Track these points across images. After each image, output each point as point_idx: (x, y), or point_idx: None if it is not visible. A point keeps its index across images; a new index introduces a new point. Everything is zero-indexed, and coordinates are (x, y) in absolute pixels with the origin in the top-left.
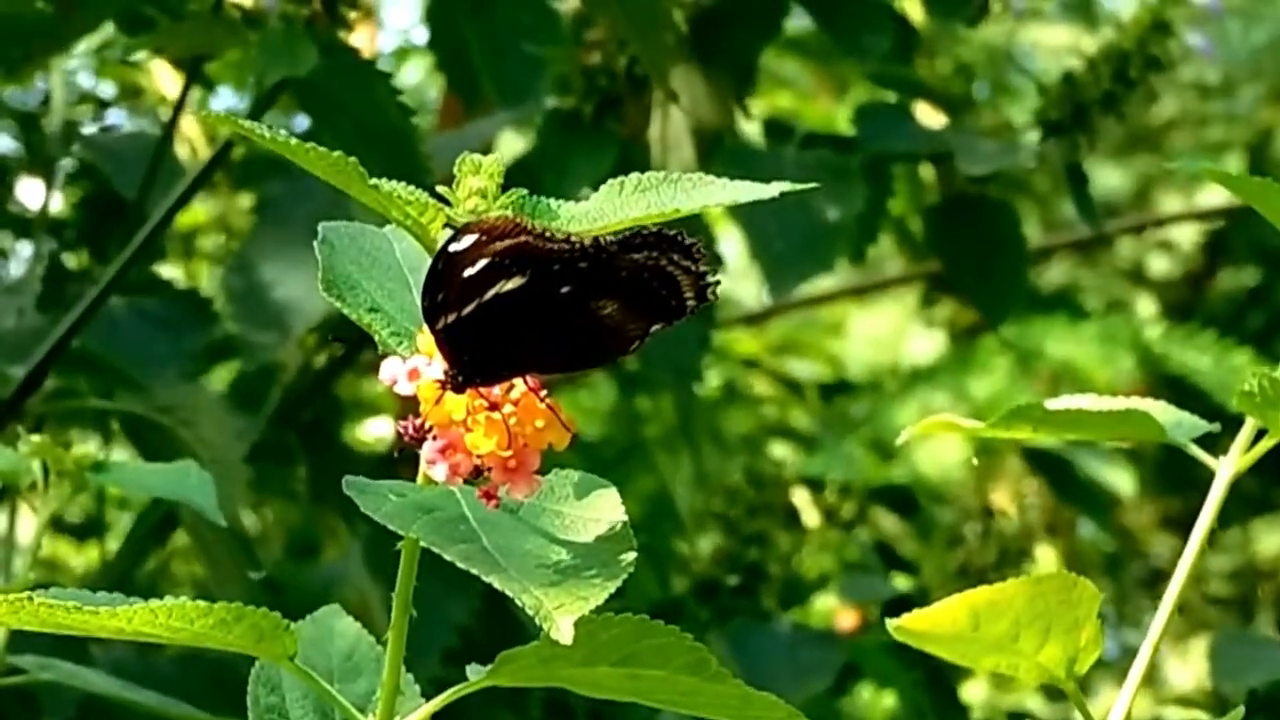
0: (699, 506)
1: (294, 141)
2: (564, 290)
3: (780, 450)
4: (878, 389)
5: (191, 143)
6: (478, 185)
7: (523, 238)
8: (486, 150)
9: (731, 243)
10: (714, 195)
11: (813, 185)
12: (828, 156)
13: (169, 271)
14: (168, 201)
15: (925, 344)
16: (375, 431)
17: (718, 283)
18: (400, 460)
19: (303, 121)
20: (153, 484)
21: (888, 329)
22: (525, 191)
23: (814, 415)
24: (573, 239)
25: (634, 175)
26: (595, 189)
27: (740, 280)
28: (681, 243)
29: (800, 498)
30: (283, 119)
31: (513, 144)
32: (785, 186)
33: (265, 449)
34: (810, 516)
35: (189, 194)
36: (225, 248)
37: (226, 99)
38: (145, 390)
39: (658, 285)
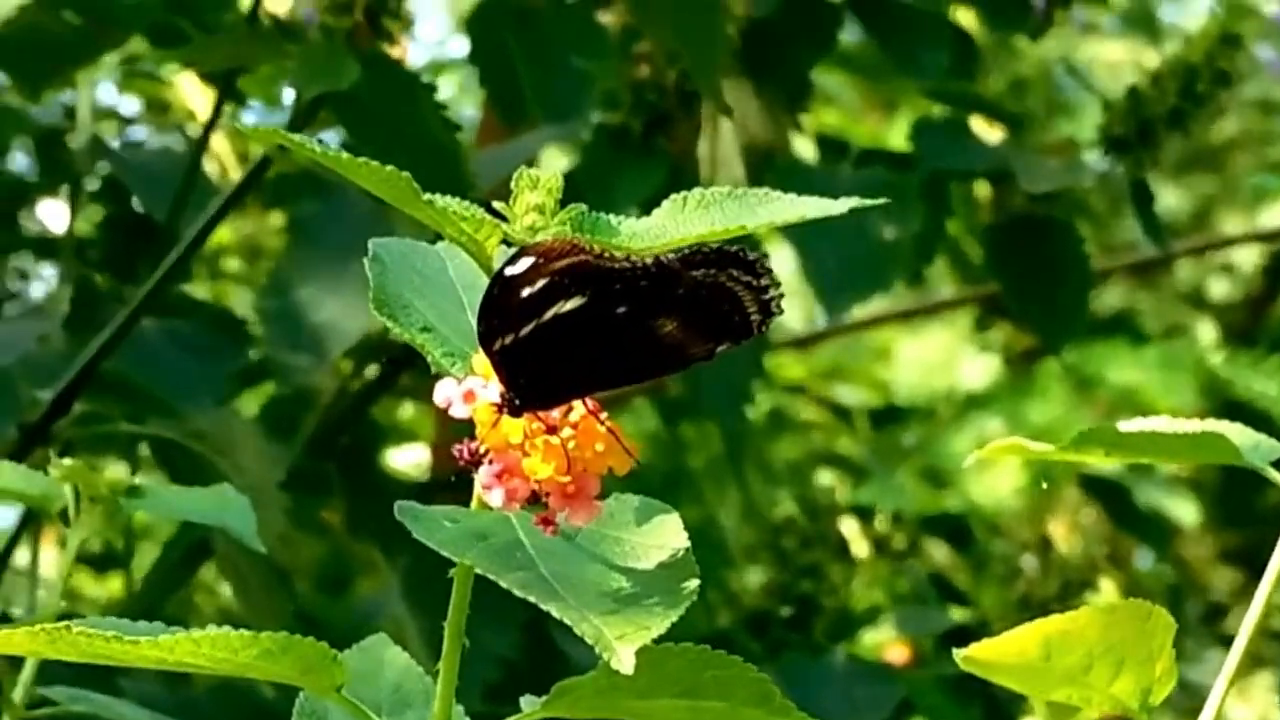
0: (746, 537)
1: (346, 156)
2: (624, 310)
3: (829, 479)
4: (929, 416)
5: (220, 160)
6: (535, 201)
7: (581, 257)
8: (530, 167)
9: (778, 262)
10: (780, 211)
11: (879, 202)
12: (884, 174)
13: (196, 293)
14: (200, 221)
15: (978, 369)
16: (410, 458)
17: (781, 297)
18: (441, 488)
19: (333, 136)
20: (189, 509)
21: (939, 354)
22: (584, 208)
23: (863, 443)
24: (633, 258)
25: (697, 191)
26: (643, 208)
27: (786, 302)
28: (744, 258)
29: (850, 528)
30: (313, 135)
31: (556, 161)
32: (853, 202)
33: (300, 476)
34: (860, 548)
35: (222, 212)
36: (254, 269)
37: (256, 114)
38: (178, 415)
39: (720, 303)
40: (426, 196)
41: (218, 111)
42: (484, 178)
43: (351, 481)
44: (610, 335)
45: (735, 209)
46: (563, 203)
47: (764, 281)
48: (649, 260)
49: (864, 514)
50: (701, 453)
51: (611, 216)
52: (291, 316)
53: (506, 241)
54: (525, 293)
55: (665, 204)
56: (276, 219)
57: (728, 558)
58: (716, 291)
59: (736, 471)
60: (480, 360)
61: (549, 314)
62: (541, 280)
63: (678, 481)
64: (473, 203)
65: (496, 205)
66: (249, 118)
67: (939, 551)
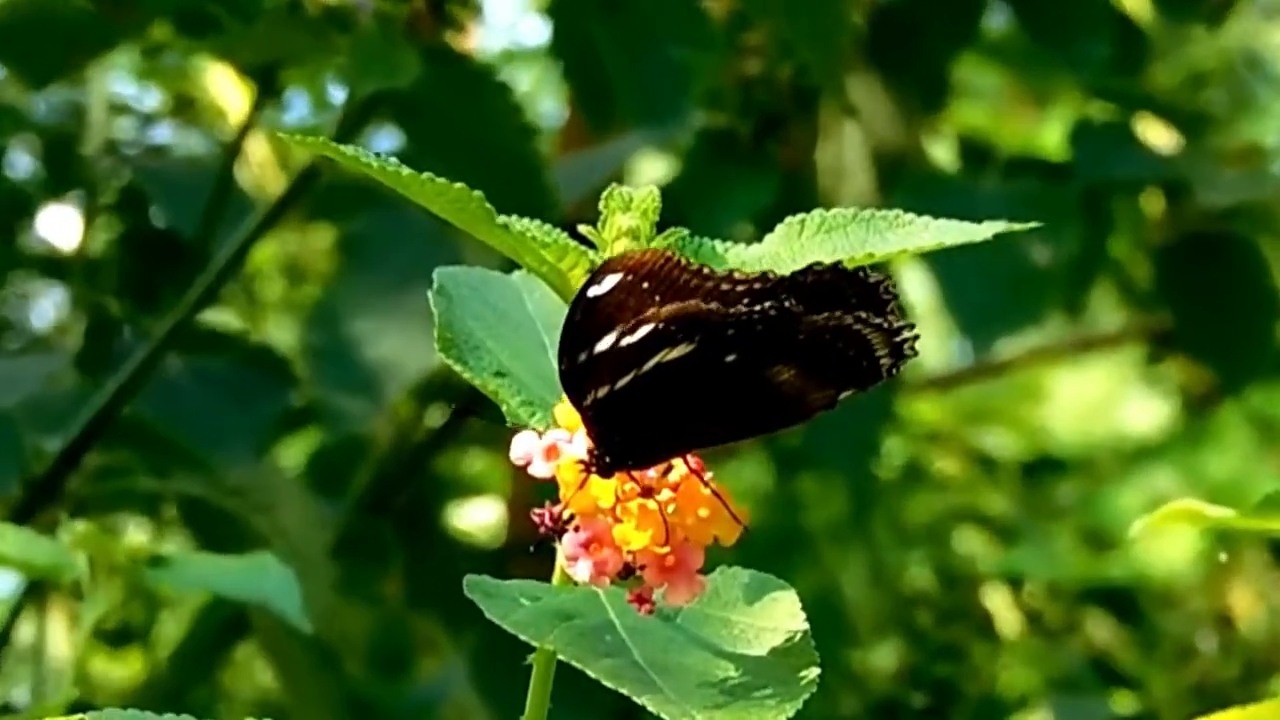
0: (873, 610)
1: (406, 172)
2: (736, 357)
3: (972, 542)
4: (1089, 468)
5: (258, 168)
6: (628, 224)
7: (690, 302)
8: (620, 179)
9: (911, 287)
10: (914, 237)
11: (1029, 225)
12: (1036, 187)
13: (230, 324)
14: (235, 239)
15: (1147, 413)
16: (480, 518)
17: (916, 339)
18: (517, 555)
19: (388, 140)
20: (223, 580)
21: (1101, 395)
22: (684, 233)
23: (1012, 499)
24: (754, 305)
25: (816, 214)
26: (756, 226)
27: (921, 339)
28: (873, 292)
29: (997, 600)
30: (366, 141)
31: (652, 170)
32: (999, 226)
33: (352, 540)
34: (1009, 622)
35: (261, 229)
36: (298, 296)
37: (300, 114)
38: (210, 469)
39: (845, 346)
40: (501, 219)
41: (255, 112)
42: (567, 191)
43: (411, 546)
44: (720, 385)
45: (861, 234)
46: (661, 220)
47: (895, 320)
48: (768, 306)
49: (1013, 583)
50: (821, 511)
51: (717, 243)
52: (342, 352)
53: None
54: (624, 341)
55: (780, 229)
56: (324, 237)
57: (851, 635)
58: (841, 334)
59: (862, 533)
60: (564, 410)
61: (651, 363)
62: (644, 328)
63: (793, 545)
64: (554, 225)
65: (583, 229)
66: (291, 120)
67: (1101, 628)
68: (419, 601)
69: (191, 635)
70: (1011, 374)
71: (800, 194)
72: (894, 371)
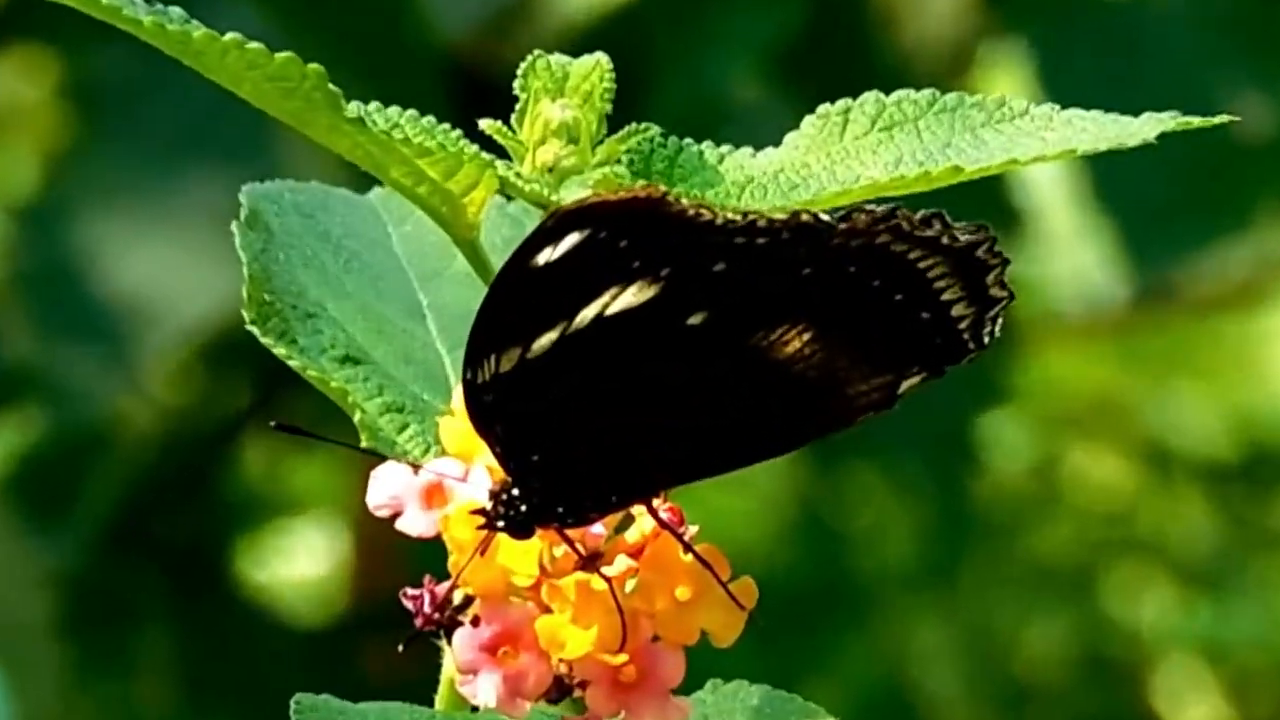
0: (969, 704)
1: (198, 32)
2: (730, 311)
3: (1138, 592)
4: None
5: None
6: (561, 117)
7: (656, 208)
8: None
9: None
10: (1036, 139)
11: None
12: (1244, 4)
13: None
14: None
15: None
16: (300, 564)
17: (1010, 299)
18: (370, 632)
19: None
20: None
21: None
22: (655, 132)
23: (1209, 519)
24: (749, 214)
25: (870, 100)
26: (769, 71)
27: (1062, 254)
28: (963, 257)
29: (1180, 684)
30: None
31: None
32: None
33: (89, 598)
34: (1202, 710)
35: None
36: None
37: None
38: None
39: (904, 302)
40: (351, 108)
41: None
42: (453, 12)
43: (186, 609)
44: (704, 362)
45: (944, 133)
46: (619, 89)
47: (985, 260)
48: (780, 219)
49: (1210, 657)
50: (884, 546)
51: (706, 148)
52: (68, 283)
53: (506, 194)
54: (549, 280)
55: (810, 125)
56: (45, 79)
57: None
58: (889, 271)
59: (950, 579)
60: (456, 427)
61: (589, 314)
62: (586, 254)
63: (838, 600)
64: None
65: (488, 127)
66: None
67: None
68: (199, 702)
69: None
70: (1205, 313)
71: (842, 18)
72: (984, 339)
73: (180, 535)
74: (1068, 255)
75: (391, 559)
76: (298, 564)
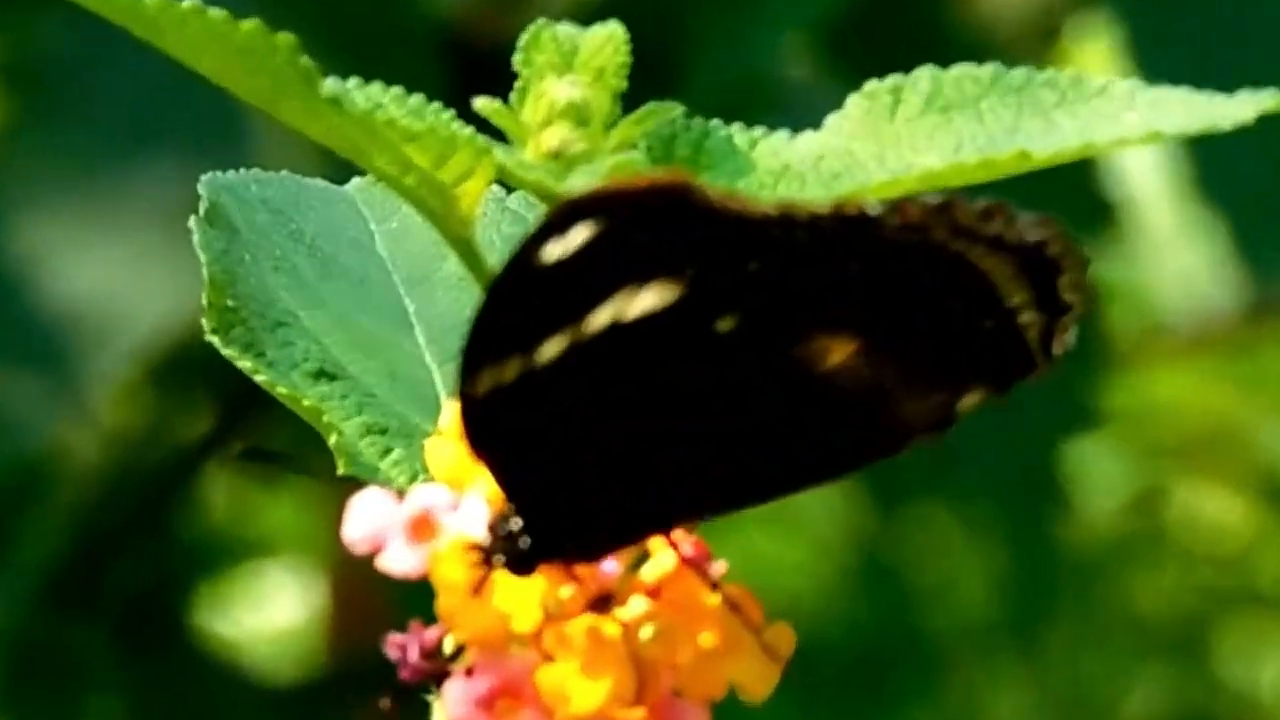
0: None
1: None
2: (763, 315)
3: (1264, 657)
4: None
5: None
6: (569, 96)
7: (680, 197)
8: None
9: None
10: (1118, 121)
11: None
12: None
13: None
14: None
15: None
16: (272, 615)
17: (1086, 306)
18: (354, 693)
19: None
20: None
21: None
22: (679, 111)
23: None
24: (786, 206)
25: (925, 73)
26: (816, 39)
27: (1166, 257)
28: (1032, 257)
29: None
30: None
31: None
32: (1272, 98)
33: (34, 654)
34: None
35: None
36: None
37: None
38: None
39: (962, 307)
40: (328, 86)
41: None
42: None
43: (140, 662)
44: (730, 374)
45: (1009, 114)
46: (634, 74)
47: (1056, 259)
48: (822, 212)
49: None
50: (953, 600)
51: (737, 131)
52: (3, 289)
53: (505, 185)
54: (562, 287)
55: (853, 103)
56: None
57: None
58: (955, 279)
59: (1032, 640)
60: (446, 447)
61: (599, 321)
62: (600, 252)
63: (899, 661)
64: (426, 58)
65: (483, 107)
66: None
67: None
68: None
69: None
70: None
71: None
72: (1055, 352)
73: (133, 583)
74: (1173, 258)
75: (375, 605)
76: (268, 613)
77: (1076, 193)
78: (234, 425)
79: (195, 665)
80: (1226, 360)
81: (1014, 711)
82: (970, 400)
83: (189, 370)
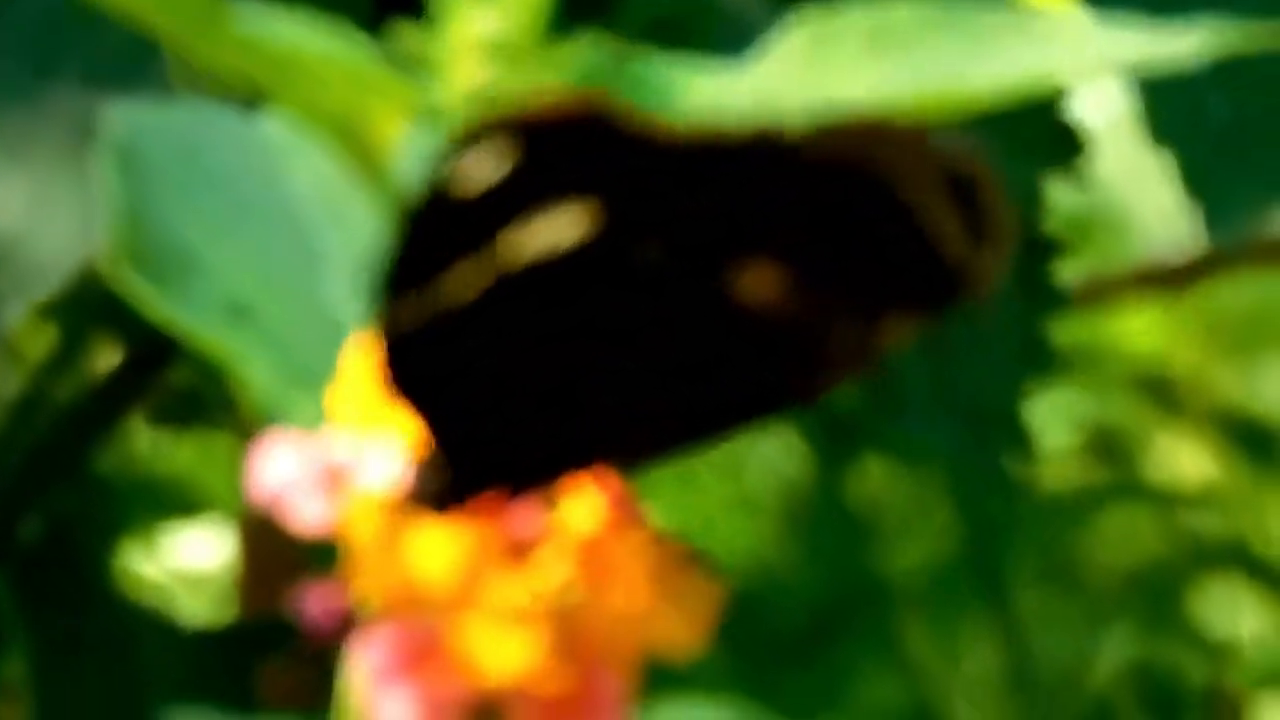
0: None
1: None
2: (683, 243)
3: (1234, 614)
4: None
5: None
6: (489, 29)
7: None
8: None
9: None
10: (1050, 54)
11: None
12: None
13: None
14: None
15: None
16: (196, 555)
17: (1014, 230)
18: (258, 644)
19: None
20: None
21: None
22: (606, 41)
23: None
24: (707, 131)
25: (864, 6)
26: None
27: (1133, 197)
28: (963, 190)
29: None
30: None
31: None
32: (1228, 30)
33: None
34: None
35: None
36: None
37: None
38: None
39: (887, 232)
40: (235, 14)
41: None
42: None
43: (50, 618)
44: (650, 306)
45: (952, 48)
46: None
47: (982, 184)
48: (743, 136)
49: None
50: (906, 550)
51: (664, 61)
52: None
53: (421, 121)
54: (474, 216)
55: (787, 31)
56: None
57: None
58: (879, 203)
59: (991, 591)
60: (356, 391)
61: (516, 248)
62: (510, 183)
63: (849, 617)
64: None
65: (398, 37)
66: None
67: None
68: (60, 708)
69: None
70: None
71: None
72: (983, 279)
73: (44, 529)
74: (1134, 199)
75: (290, 554)
76: (186, 559)
77: (1038, 133)
78: (145, 365)
79: (108, 612)
80: (1187, 301)
81: (971, 668)
82: (901, 330)
83: (98, 307)
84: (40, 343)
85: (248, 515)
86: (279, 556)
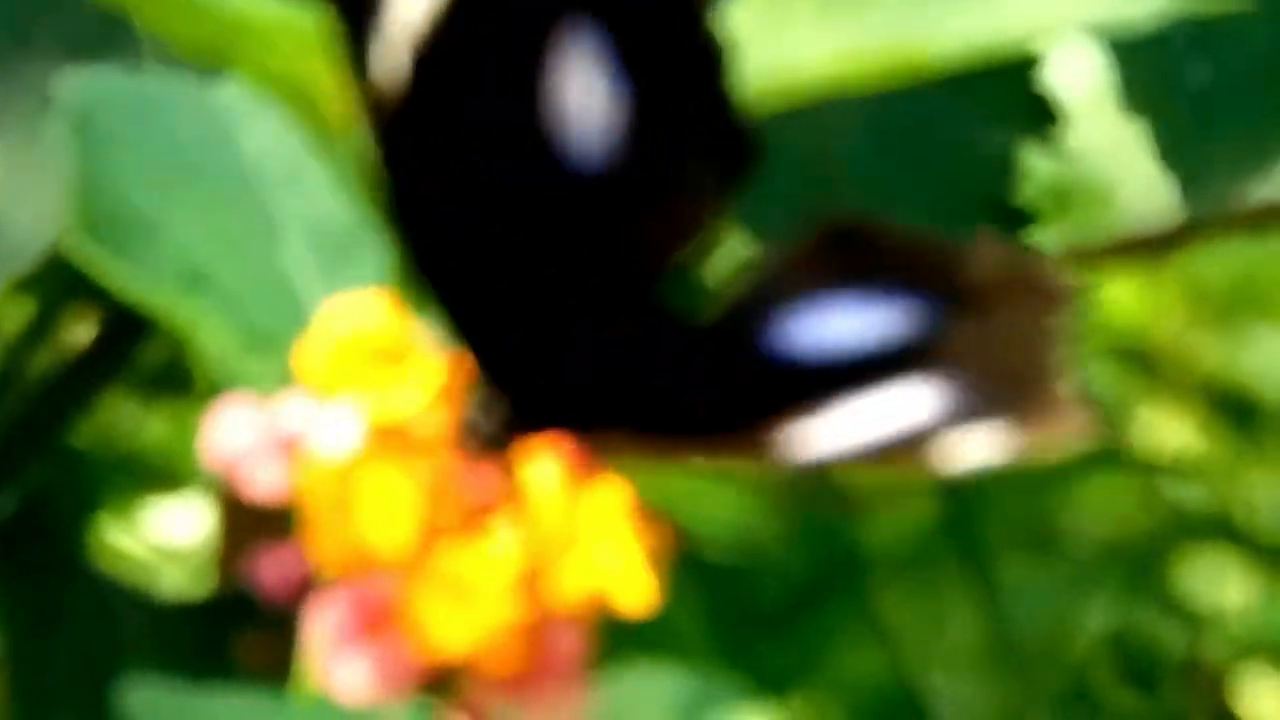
0: (1007, 702)
1: None
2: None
3: (1217, 584)
4: None
5: None
6: None
7: None
8: None
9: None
10: (1001, 16)
11: None
12: None
13: None
14: None
15: None
16: (174, 529)
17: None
18: (234, 616)
19: None
20: None
21: None
22: None
23: None
24: None
25: None
26: None
27: (1111, 163)
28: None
29: (1271, 705)
30: None
31: None
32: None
33: None
34: None
35: None
36: None
37: None
38: None
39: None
40: None
41: None
42: None
43: (26, 591)
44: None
45: (903, 9)
46: None
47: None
48: None
49: None
50: (884, 516)
51: None
52: None
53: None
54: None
55: None
56: None
57: None
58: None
59: (971, 556)
60: (315, 353)
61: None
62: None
63: (824, 584)
64: None
65: None
66: None
67: None
68: (40, 680)
69: None
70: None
71: None
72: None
73: (19, 499)
74: (1112, 167)
75: (270, 526)
76: (167, 531)
77: (1013, 101)
78: (122, 338)
79: (84, 583)
80: (1168, 270)
81: (951, 637)
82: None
83: (74, 280)
84: (16, 316)
85: (225, 488)
86: (257, 528)
